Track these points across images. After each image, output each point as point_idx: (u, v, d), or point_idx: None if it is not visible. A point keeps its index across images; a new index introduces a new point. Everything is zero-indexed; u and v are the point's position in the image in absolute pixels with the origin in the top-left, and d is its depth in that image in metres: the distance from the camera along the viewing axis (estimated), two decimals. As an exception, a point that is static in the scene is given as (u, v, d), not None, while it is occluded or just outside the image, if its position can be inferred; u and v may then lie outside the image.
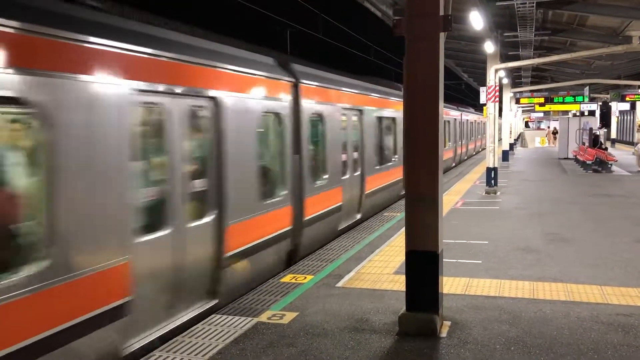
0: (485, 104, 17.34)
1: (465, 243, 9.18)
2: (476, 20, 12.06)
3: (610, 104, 38.33)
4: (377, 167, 12.72)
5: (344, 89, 10.70)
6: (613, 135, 41.42)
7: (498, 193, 15.35)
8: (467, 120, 30.99)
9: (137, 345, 4.99)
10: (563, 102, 30.73)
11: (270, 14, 17.52)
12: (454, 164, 25.87)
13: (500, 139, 24.38)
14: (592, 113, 35.31)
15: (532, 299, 6.30)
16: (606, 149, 24.42)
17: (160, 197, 5.48)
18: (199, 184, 6.09)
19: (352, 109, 11.20)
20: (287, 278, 7.32)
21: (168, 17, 7.70)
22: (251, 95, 7.11)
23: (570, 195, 14.84)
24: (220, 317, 5.86)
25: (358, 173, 11.55)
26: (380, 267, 7.80)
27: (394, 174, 14.12)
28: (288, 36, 24.72)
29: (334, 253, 8.66)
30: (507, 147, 27.33)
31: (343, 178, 10.55)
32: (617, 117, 43.94)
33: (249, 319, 5.81)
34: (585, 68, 25.53)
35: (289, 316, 5.89)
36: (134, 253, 4.89)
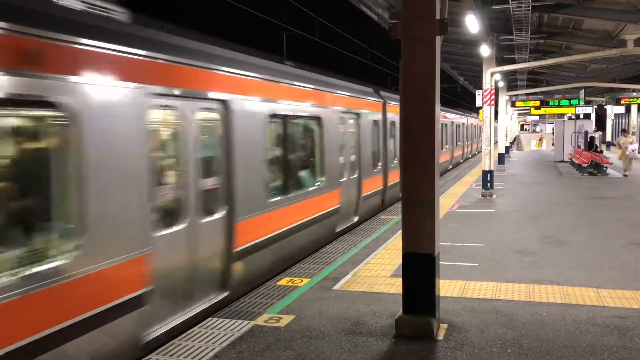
0: (481, 107, 17.39)
1: (461, 246, 9.19)
2: (472, 23, 12.10)
3: (605, 107, 38.50)
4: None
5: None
6: (608, 138, 41.57)
7: (494, 196, 15.38)
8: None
9: None
10: (558, 105, 30.83)
11: (268, 17, 17.54)
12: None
13: (496, 142, 24.38)
14: (587, 116, 35.46)
15: (529, 302, 6.31)
16: (601, 151, 24.50)
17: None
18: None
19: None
20: (284, 281, 7.31)
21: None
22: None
23: (566, 198, 14.88)
24: (217, 320, 5.85)
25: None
26: (377, 270, 7.80)
27: None
28: (284, 39, 24.77)
29: (331, 256, 8.66)
30: (503, 150, 27.40)
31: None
32: (612, 120, 44.12)
33: (246, 322, 5.80)
34: (580, 71, 25.64)
35: (286, 319, 5.88)
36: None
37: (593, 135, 26.08)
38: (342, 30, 21.75)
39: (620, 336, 5.28)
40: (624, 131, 22.90)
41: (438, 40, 5.37)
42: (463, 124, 30.55)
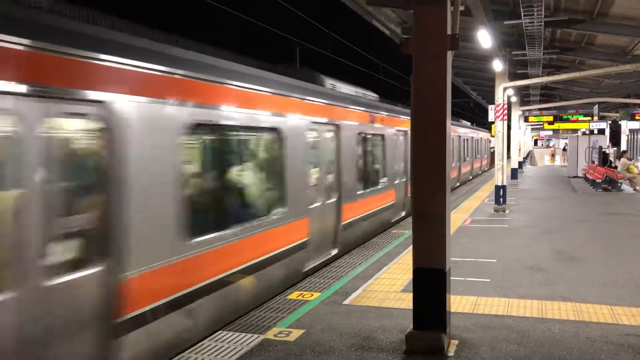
0: (493, 122, 17.35)
1: (473, 261, 9.13)
2: (484, 38, 12.11)
3: (619, 122, 38.17)
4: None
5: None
6: (623, 154, 41.14)
7: (507, 211, 15.28)
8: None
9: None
10: (572, 120, 30.58)
11: (280, 32, 17.73)
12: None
13: (509, 157, 24.16)
14: (601, 131, 35.13)
15: (541, 318, 6.24)
16: (616, 167, 24.25)
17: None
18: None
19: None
20: (294, 295, 7.30)
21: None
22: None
23: (579, 214, 14.74)
24: (226, 334, 5.85)
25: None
26: (388, 285, 7.76)
27: None
28: (297, 53, 24.99)
29: (341, 270, 8.64)
30: (516, 165, 27.22)
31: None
32: (627, 135, 43.73)
33: (256, 335, 5.80)
34: (594, 86, 25.47)
35: (296, 333, 5.87)
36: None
37: (607, 150, 25.82)
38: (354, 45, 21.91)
39: (635, 355, 5.19)
40: (625, 152, 22.70)
41: (449, 55, 5.39)
42: (459, 136, 28.46)
